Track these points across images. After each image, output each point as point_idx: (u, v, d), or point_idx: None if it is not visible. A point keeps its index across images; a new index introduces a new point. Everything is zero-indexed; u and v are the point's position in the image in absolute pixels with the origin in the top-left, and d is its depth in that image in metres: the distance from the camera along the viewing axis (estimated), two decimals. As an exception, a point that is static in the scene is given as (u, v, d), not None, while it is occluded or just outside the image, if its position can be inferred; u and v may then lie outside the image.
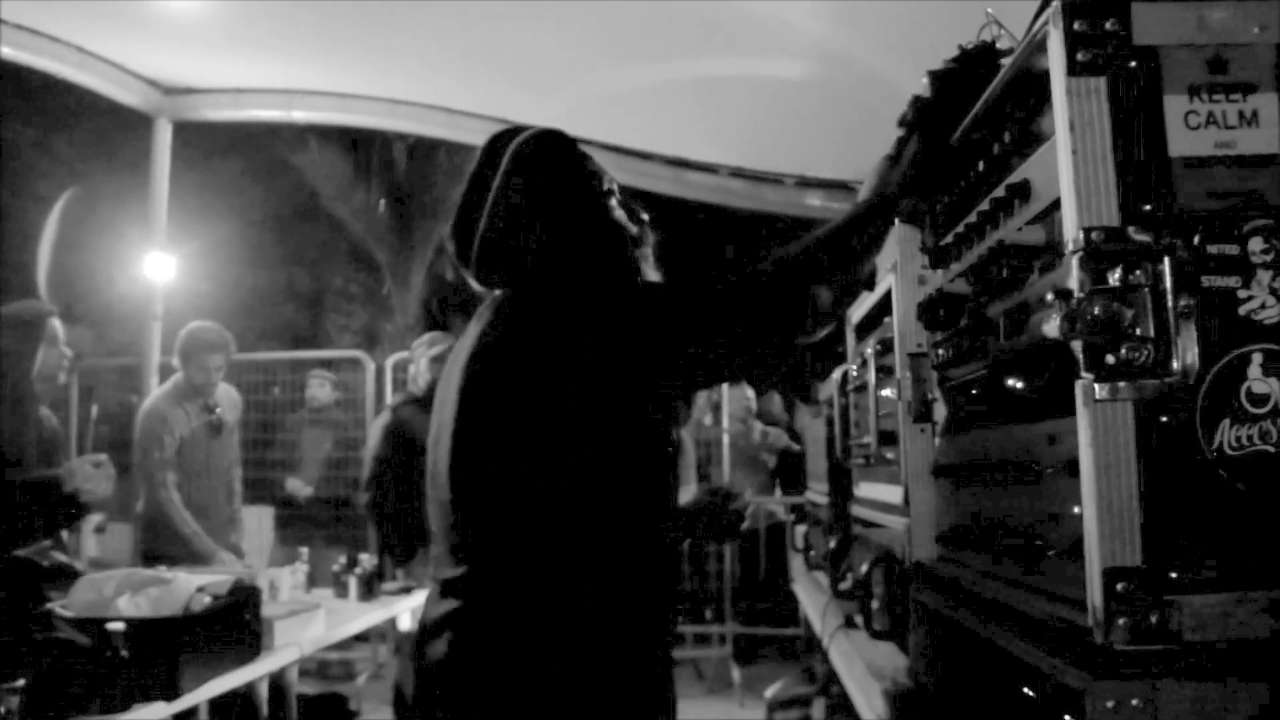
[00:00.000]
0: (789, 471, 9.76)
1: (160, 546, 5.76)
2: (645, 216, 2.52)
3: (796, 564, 5.68)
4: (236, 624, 4.14)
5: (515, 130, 2.45)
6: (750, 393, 10.34)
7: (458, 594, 2.23)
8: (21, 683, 3.21)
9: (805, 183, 8.46)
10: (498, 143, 2.43)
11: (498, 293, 2.37)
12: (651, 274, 2.47)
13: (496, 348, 2.24)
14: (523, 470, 2.15)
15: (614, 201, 2.45)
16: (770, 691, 6.93)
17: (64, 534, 5.24)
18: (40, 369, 4.93)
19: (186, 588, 3.89)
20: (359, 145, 16.24)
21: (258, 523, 7.61)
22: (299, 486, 8.58)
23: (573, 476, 2.14)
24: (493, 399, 2.21)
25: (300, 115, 8.06)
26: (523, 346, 2.19)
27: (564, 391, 2.11)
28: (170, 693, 3.59)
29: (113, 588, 3.80)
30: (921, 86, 2.34)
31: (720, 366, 2.38)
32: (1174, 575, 1.47)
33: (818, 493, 4.79)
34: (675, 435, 2.37)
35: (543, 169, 2.39)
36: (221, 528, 6.16)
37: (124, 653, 3.44)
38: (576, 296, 2.20)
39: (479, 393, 2.23)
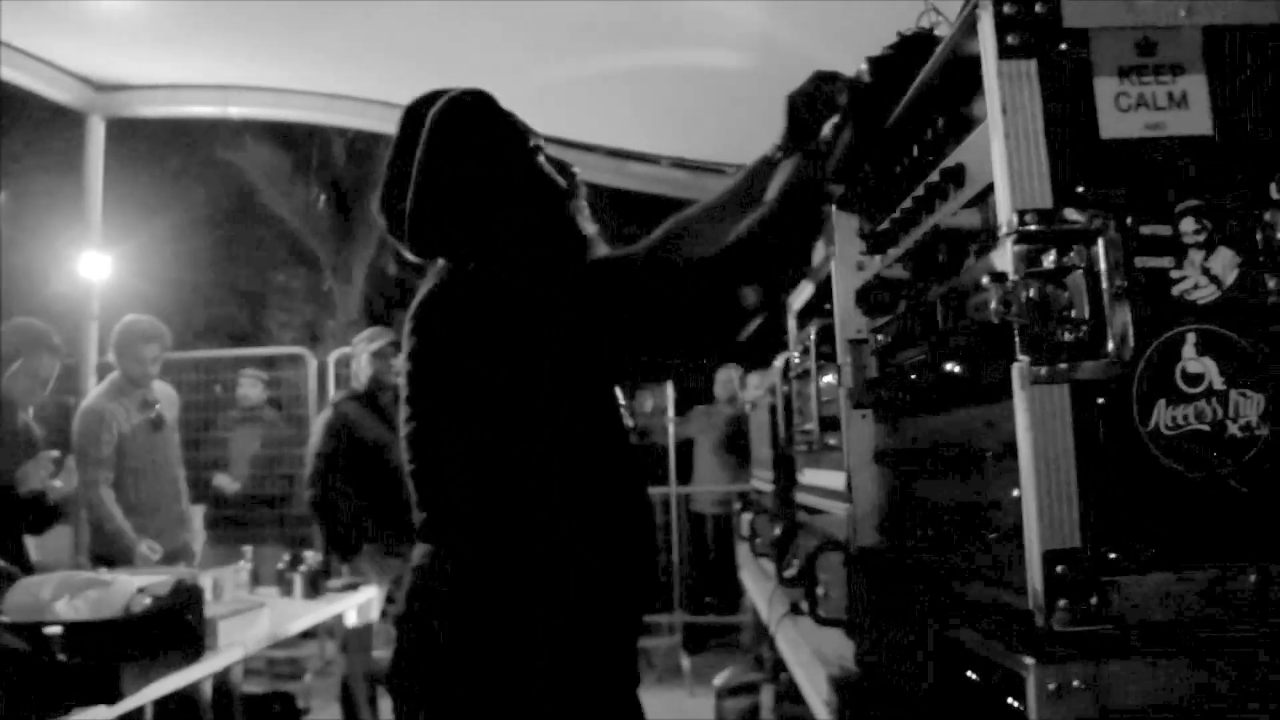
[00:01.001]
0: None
1: (106, 548, 5.70)
2: (574, 170, 2.52)
3: (743, 552, 5.68)
4: (178, 625, 4.09)
5: (433, 96, 2.44)
6: (734, 374, 10.33)
7: (421, 553, 2.30)
8: (-46, 689, 3.16)
9: (742, 168, 8.48)
10: (416, 111, 2.42)
11: (439, 263, 2.38)
12: (587, 226, 2.47)
13: (430, 324, 2.26)
14: (463, 435, 2.19)
15: (541, 158, 2.44)
16: (719, 679, 6.93)
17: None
18: (38, 375, 4.96)
19: (126, 589, 3.84)
20: (297, 141, 16.13)
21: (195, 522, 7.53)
22: (226, 482, 8.49)
23: (518, 443, 2.16)
24: (430, 376, 2.24)
25: (236, 111, 7.98)
26: (452, 323, 2.22)
27: (496, 363, 2.15)
28: (111, 696, 3.54)
29: (50, 591, 3.75)
30: (860, 74, 2.34)
31: (649, 364, 2.41)
32: (1113, 556, 1.48)
33: (763, 480, 4.79)
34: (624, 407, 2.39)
35: (464, 133, 2.37)
36: (171, 526, 6.09)
37: (61, 656, 3.39)
38: (511, 271, 2.22)
39: (419, 370, 2.26)
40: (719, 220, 2.59)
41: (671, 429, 9.94)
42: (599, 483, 2.26)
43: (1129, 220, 1.53)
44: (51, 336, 5.34)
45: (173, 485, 6.28)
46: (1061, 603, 1.46)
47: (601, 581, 2.22)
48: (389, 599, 6.12)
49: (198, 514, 7.20)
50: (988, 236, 1.72)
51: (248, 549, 6.12)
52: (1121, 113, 1.58)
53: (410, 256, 2.42)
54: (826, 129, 2.41)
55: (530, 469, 2.17)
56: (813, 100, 2.47)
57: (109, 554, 5.53)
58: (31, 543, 5.40)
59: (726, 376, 10.18)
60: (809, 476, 3.43)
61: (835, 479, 2.84)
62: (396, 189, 2.37)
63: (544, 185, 2.42)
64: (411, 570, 2.33)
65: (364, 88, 7.44)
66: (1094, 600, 1.46)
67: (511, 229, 2.33)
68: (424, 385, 2.26)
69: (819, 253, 3.04)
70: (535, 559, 2.17)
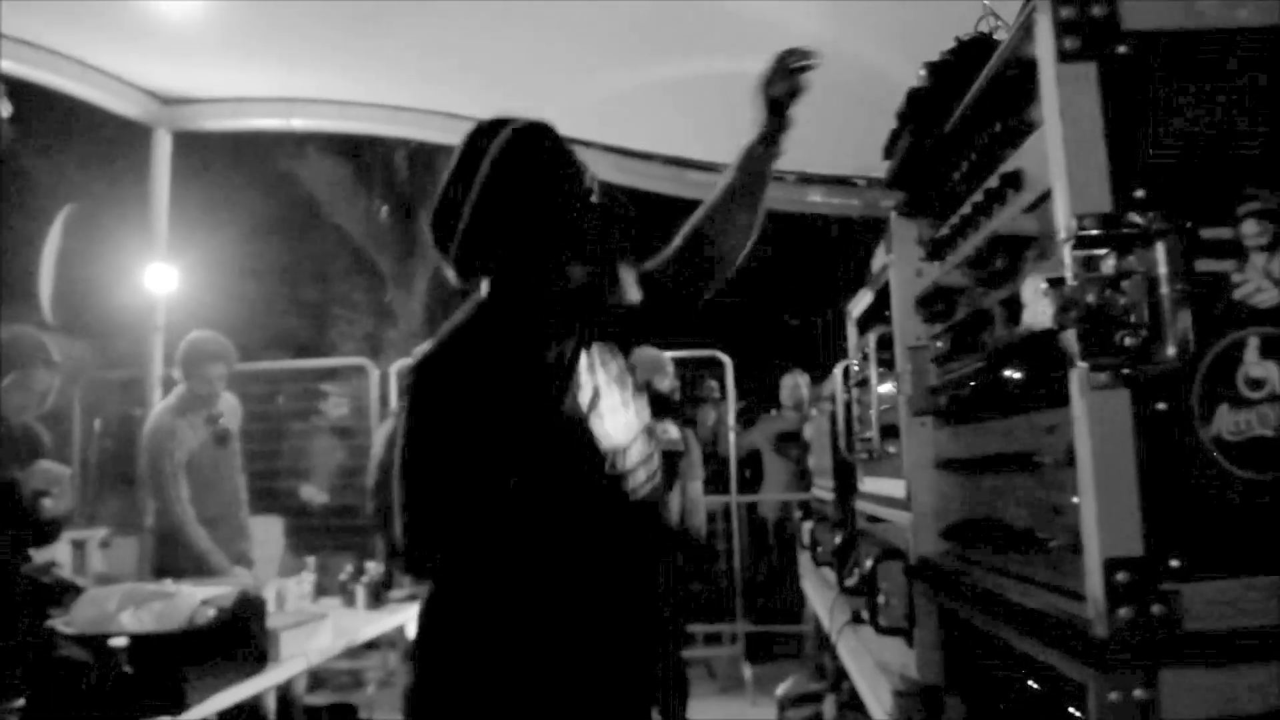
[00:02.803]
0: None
1: (172, 561, 5.75)
2: (626, 213, 2.55)
3: (804, 561, 5.66)
4: (241, 636, 4.13)
5: (499, 123, 2.46)
6: (801, 380, 10.28)
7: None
8: (20, 702, 3.20)
9: (806, 179, 8.45)
10: (480, 137, 2.44)
11: (470, 301, 2.45)
12: (627, 274, 2.50)
13: (436, 370, 2.33)
14: (459, 480, 2.23)
15: (593, 200, 2.46)
16: (781, 689, 6.91)
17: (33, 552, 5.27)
18: (33, 387, 5.00)
19: (190, 601, 3.88)
20: (359, 153, 16.25)
21: (264, 532, 7.58)
22: (314, 493, 8.56)
23: (507, 489, 2.22)
24: (435, 413, 2.29)
25: (300, 123, 8.04)
26: (452, 384, 2.29)
27: (497, 412, 2.22)
28: (175, 707, 3.58)
29: (116, 603, 3.79)
30: (917, 79, 2.33)
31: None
32: (1174, 564, 1.46)
33: (823, 488, 4.77)
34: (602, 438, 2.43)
35: (526, 168, 2.40)
36: (232, 538, 6.13)
37: (126, 668, 3.43)
38: (528, 324, 2.35)
39: (424, 405, 2.31)
40: (731, 214, 2.65)
41: (733, 438, 9.90)
42: (572, 538, 2.33)
43: (1189, 223, 1.51)
44: (49, 350, 5.35)
45: (234, 496, 6.33)
46: (1122, 611, 1.44)
47: (577, 631, 2.31)
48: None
49: (259, 524, 7.24)
50: (1047, 242, 1.71)
51: (311, 559, 6.17)
52: (1181, 115, 1.57)
53: (451, 275, 2.45)
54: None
55: (512, 523, 2.23)
56: (775, 76, 2.55)
57: (173, 566, 5.57)
58: (99, 554, 5.47)
59: (792, 383, 10.13)
60: (869, 484, 3.41)
61: (895, 487, 2.82)
62: (450, 210, 2.39)
63: (589, 231, 2.44)
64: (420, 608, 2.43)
65: (425, 99, 7.48)
66: (1155, 609, 1.45)
67: (549, 268, 2.39)
68: (419, 431, 2.30)
69: (878, 260, 3.03)
70: (513, 608, 2.27)
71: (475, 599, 2.28)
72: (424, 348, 2.38)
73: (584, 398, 2.40)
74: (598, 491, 2.41)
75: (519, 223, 2.36)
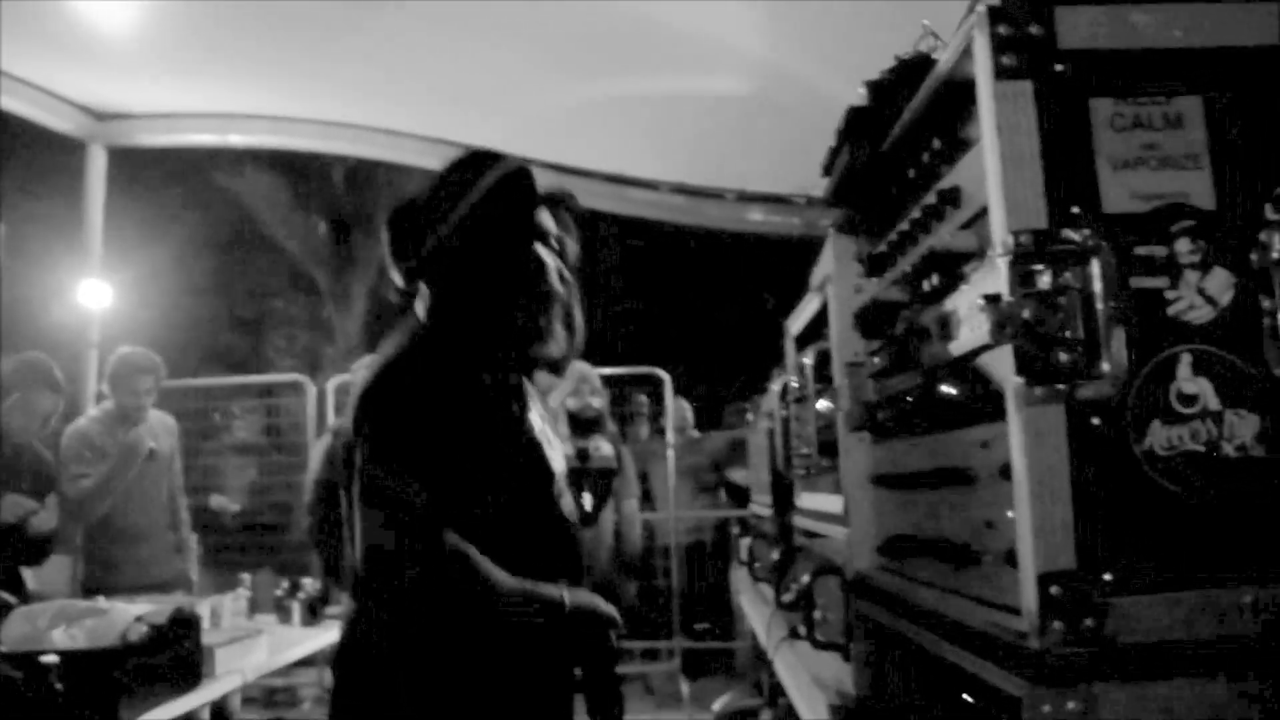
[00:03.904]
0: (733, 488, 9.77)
1: (104, 578, 5.66)
2: (571, 278, 2.61)
3: (741, 577, 5.66)
4: (176, 653, 4.07)
5: (495, 156, 2.51)
6: (686, 404, 10.31)
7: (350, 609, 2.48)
8: (-53, 720, 3.15)
9: (746, 197, 8.48)
10: (475, 165, 2.49)
11: (406, 323, 2.49)
12: (560, 330, 2.56)
13: (399, 394, 2.33)
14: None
15: (552, 263, 2.54)
16: (718, 704, 6.91)
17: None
18: (36, 409, 4.97)
19: (124, 618, 3.83)
20: (297, 169, 16.15)
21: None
22: (225, 503, 8.46)
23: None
24: (405, 436, 2.29)
25: (236, 139, 7.99)
26: (409, 401, 2.30)
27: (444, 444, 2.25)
28: (108, 725, 3.53)
29: (47, 620, 3.74)
30: (857, 97, 2.34)
31: None
32: (1108, 578, 1.47)
33: (761, 504, 4.78)
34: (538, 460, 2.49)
35: (513, 209, 2.48)
36: (165, 554, 6.04)
37: (59, 685, 3.37)
38: (466, 356, 2.39)
39: (392, 429, 2.31)
40: None
41: (671, 455, 9.90)
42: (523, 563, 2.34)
43: (1124, 240, 1.53)
44: (54, 373, 5.34)
45: (165, 514, 6.23)
46: (1056, 624, 1.45)
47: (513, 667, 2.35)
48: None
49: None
50: (983, 258, 1.72)
51: (246, 576, 6.10)
52: (1116, 133, 1.58)
53: (397, 277, 2.50)
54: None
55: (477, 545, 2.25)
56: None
57: (106, 584, 5.49)
58: (29, 573, 5.38)
59: (676, 406, 10.16)
60: (807, 500, 3.42)
61: (833, 502, 2.83)
62: (423, 222, 2.44)
63: (542, 291, 2.51)
64: (342, 626, 2.48)
65: (364, 115, 7.45)
66: (1089, 622, 1.45)
67: (504, 305, 2.46)
68: (378, 449, 2.30)
69: (817, 276, 3.04)
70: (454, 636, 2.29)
71: (419, 619, 2.28)
72: (366, 370, 2.38)
73: (536, 426, 2.47)
74: (551, 517, 2.49)
75: (491, 258, 2.43)
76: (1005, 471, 1.56)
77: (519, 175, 2.49)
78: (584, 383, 6.34)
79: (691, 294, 17.85)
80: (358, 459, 2.30)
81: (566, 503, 2.55)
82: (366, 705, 2.32)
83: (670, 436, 9.84)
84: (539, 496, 2.45)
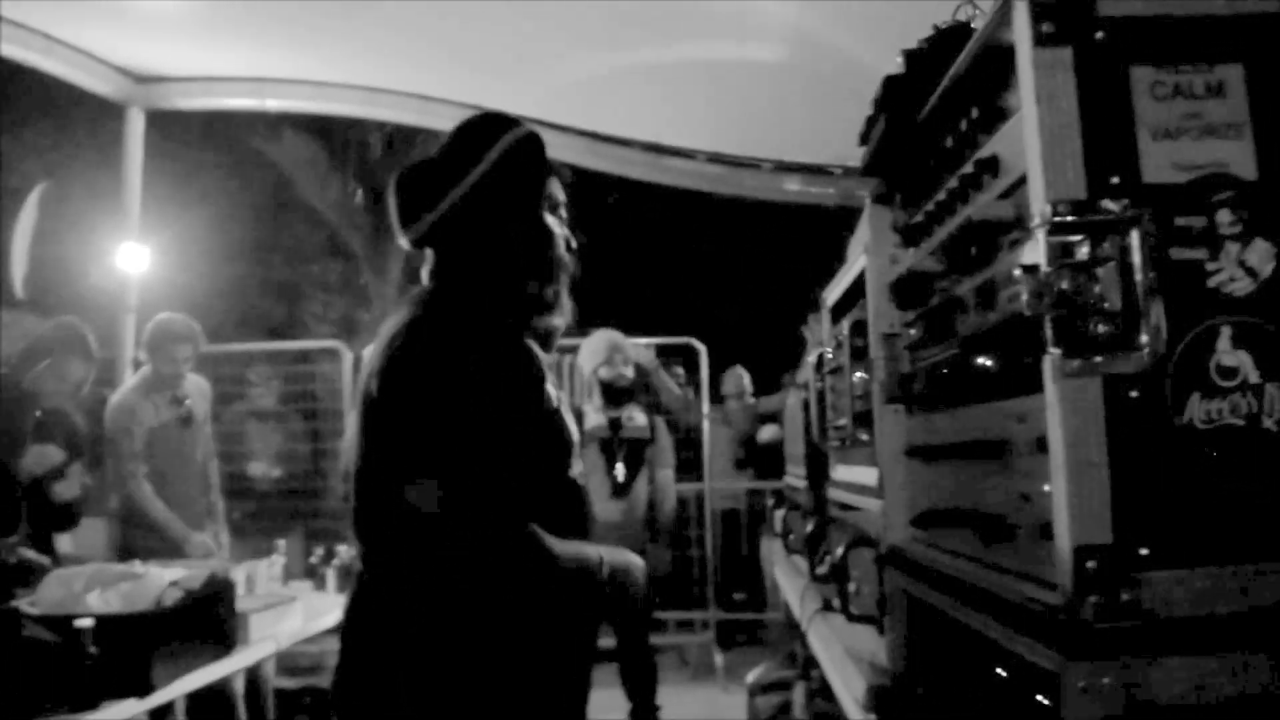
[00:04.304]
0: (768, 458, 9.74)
1: (136, 540, 5.73)
2: (575, 245, 2.65)
3: (776, 548, 5.66)
4: (210, 618, 4.11)
5: (508, 121, 2.54)
6: (743, 371, 10.30)
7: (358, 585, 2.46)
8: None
9: (783, 167, 8.43)
10: (487, 128, 2.51)
11: (419, 292, 2.52)
12: (567, 299, 2.61)
13: (402, 364, 2.34)
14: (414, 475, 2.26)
15: (560, 232, 2.59)
16: (751, 676, 6.92)
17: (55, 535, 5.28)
18: (67, 376, 5.04)
19: (158, 582, 3.87)
20: (334, 134, 16.16)
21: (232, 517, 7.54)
22: (263, 469, 8.53)
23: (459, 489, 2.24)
24: (396, 408, 2.32)
25: (274, 103, 8.00)
26: (425, 366, 2.32)
27: (459, 407, 2.25)
28: (142, 689, 3.56)
29: (83, 584, 3.77)
30: (895, 66, 2.33)
31: None
32: (1144, 552, 1.46)
33: (796, 476, 4.77)
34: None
35: (525, 174, 2.52)
36: (197, 520, 6.10)
37: (93, 649, 3.40)
38: (480, 326, 2.37)
39: (384, 402, 2.33)
40: None
41: (706, 426, 9.89)
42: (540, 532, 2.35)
43: (1164, 211, 1.51)
44: (88, 340, 5.39)
45: (202, 479, 6.31)
46: (1092, 598, 1.44)
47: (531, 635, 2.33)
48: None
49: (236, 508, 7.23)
50: (1021, 228, 1.71)
51: (280, 542, 6.15)
52: (1157, 101, 1.56)
53: (404, 242, 2.52)
54: None
55: (479, 521, 2.25)
56: None
57: (141, 547, 5.55)
58: (65, 536, 5.44)
59: (735, 375, 10.15)
60: (842, 472, 3.41)
61: (868, 475, 2.82)
62: (435, 185, 2.46)
63: (547, 258, 2.56)
64: (348, 601, 2.48)
65: (400, 80, 7.44)
66: (1125, 596, 1.44)
67: (514, 272, 2.49)
68: (387, 424, 2.32)
69: (854, 246, 3.02)
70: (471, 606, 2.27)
71: (435, 586, 2.28)
72: (390, 342, 2.37)
73: (553, 394, 2.46)
74: (567, 485, 2.49)
75: (504, 224, 2.46)
76: (1042, 444, 1.55)
77: (531, 141, 2.52)
78: (617, 352, 6.34)
79: (728, 264, 17.83)
80: (390, 428, 2.30)
81: (581, 471, 2.56)
82: (382, 676, 2.32)
83: (726, 404, 9.82)
84: (558, 464, 2.45)
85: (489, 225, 2.45)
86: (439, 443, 2.22)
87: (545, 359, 2.49)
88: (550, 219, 2.55)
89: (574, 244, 2.62)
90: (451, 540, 2.22)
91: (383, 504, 2.32)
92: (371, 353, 2.42)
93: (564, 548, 2.32)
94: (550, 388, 2.46)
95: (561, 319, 2.59)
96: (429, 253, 2.53)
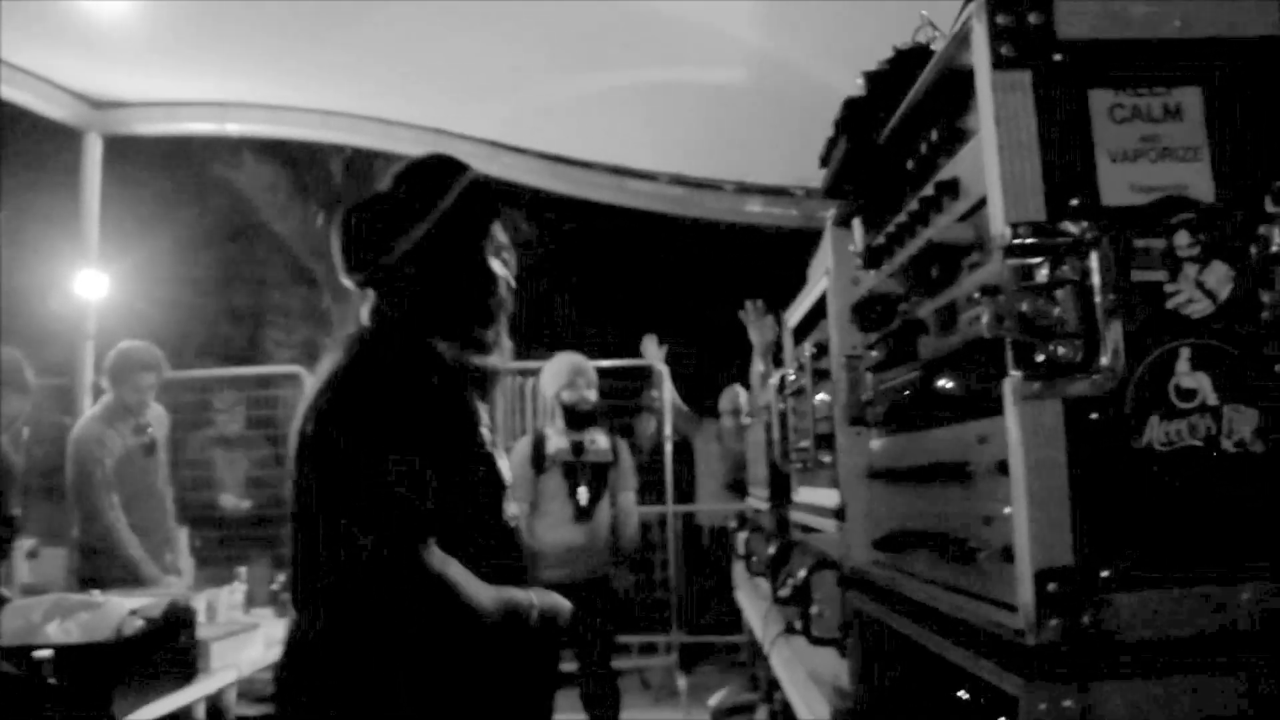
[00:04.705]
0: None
1: (99, 571, 5.67)
2: (513, 286, 2.69)
3: (739, 570, 5.66)
4: (171, 647, 4.07)
5: (459, 166, 2.59)
6: (740, 389, 10.26)
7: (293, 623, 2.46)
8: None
9: (745, 189, 8.46)
10: (442, 175, 2.56)
11: (358, 332, 2.55)
12: (501, 348, 2.64)
13: (339, 405, 2.36)
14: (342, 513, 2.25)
15: (502, 274, 2.62)
16: (714, 699, 6.91)
17: None
18: (6, 412, 4.97)
19: (118, 612, 3.83)
20: (295, 159, 16.11)
21: (192, 544, 7.47)
22: (232, 501, 8.47)
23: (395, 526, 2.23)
24: (331, 449, 2.32)
25: (234, 128, 7.98)
26: (356, 410, 2.33)
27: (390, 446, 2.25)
28: (103, 719, 3.52)
29: (41, 614, 3.73)
30: (856, 88, 2.33)
31: None
32: (1106, 574, 1.46)
33: (759, 498, 4.77)
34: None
35: (477, 221, 2.57)
36: (158, 549, 6.06)
37: (53, 680, 3.37)
38: (412, 366, 2.40)
39: (320, 443, 2.35)
40: None
41: (669, 448, 9.88)
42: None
43: (1123, 233, 1.52)
44: (23, 374, 5.35)
45: (161, 507, 6.27)
46: (1053, 622, 1.44)
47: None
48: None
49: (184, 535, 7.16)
50: (981, 251, 1.71)
51: (242, 570, 6.09)
52: (1116, 124, 1.57)
53: (348, 282, 2.58)
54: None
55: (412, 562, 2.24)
56: None
57: (103, 576, 5.50)
58: (25, 565, 5.39)
59: (732, 393, 10.09)
60: (804, 494, 3.41)
61: (829, 497, 2.82)
62: (381, 222, 2.50)
63: (486, 304, 2.60)
64: (286, 638, 2.47)
65: (361, 104, 7.44)
66: (1087, 619, 1.44)
67: (459, 314, 2.54)
68: (353, 452, 2.29)
69: (815, 268, 3.03)
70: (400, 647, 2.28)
71: (388, 633, 2.28)
72: (328, 382, 2.39)
73: (488, 437, 2.51)
74: (501, 528, 2.53)
75: (449, 268, 2.50)
76: (1003, 467, 1.54)
77: (481, 187, 2.57)
78: (579, 375, 6.33)
79: (689, 286, 17.84)
80: (320, 465, 2.30)
81: (512, 511, 2.57)
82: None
83: (721, 421, 9.78)
84: (491, 508, 2.48)
85: (435, 270, 2.48)
86: (372, 485, 2.21)
87: (479, 404, 2.53)
88: (494, 262, 2.58)
89: (513, 285, 2.66)
90: (382, 584, 2.22)
91: (315, 545, 2.32)
92: (309, 391, 2.42)
93: (496, 594, 2.32)
94: (485, 431, 2.49)
95: (500, 360, 2.61)
96: (369, 292, 2.53)
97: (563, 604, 2.53)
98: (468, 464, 2.39)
